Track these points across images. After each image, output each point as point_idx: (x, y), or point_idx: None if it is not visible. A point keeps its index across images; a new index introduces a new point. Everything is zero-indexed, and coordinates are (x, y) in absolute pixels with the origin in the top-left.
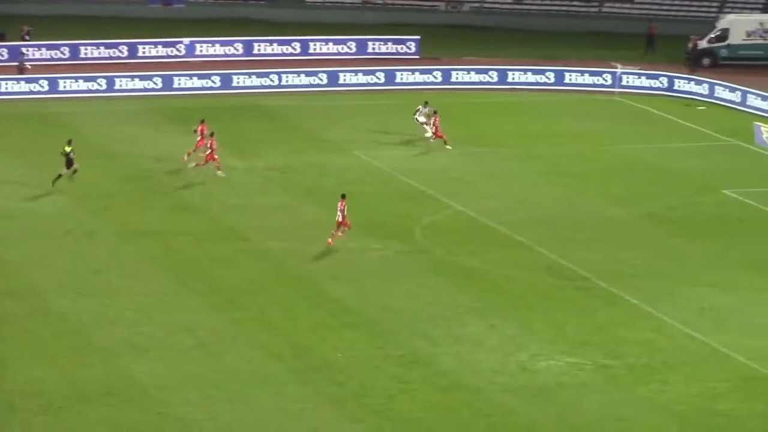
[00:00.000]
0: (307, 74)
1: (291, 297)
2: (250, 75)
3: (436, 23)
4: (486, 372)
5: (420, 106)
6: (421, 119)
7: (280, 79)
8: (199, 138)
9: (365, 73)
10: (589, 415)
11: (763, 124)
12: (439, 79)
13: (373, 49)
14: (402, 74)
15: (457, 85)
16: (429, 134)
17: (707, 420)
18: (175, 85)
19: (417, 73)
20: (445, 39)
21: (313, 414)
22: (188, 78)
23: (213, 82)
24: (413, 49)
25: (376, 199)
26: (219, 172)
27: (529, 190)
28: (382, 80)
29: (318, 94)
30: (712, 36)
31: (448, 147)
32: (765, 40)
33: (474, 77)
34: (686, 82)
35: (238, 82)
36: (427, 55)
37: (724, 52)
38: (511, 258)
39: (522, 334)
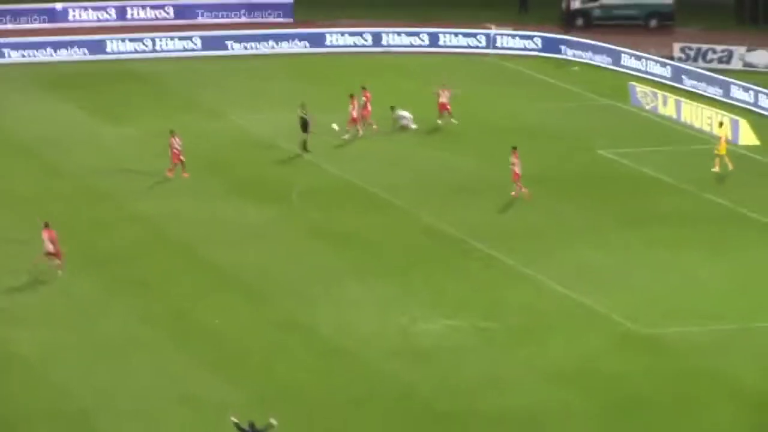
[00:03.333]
0: (181, 38)
1: (167, 262)
2: (123, 40)
3: None
4: (365, 335)
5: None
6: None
7: (154, 44)
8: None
9: (248, 38)
10: (468, 377)
11: (638, 84)
12: (313, 43)
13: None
14: (277, 41)
15: (330, 48)
16: (414, 126)
17: (587, 380)
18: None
19: (296, 40)
20: (316, 2)
21: (191, 378)
22: (63, 46)
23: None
24: (289, 14)
25: (251, 164)
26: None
27: (403, 153)
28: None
29: (193, 59)
30: None
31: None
32: (638, 0)
33: (348, 40)
34: (560, 43)
35: (111, 48)
36: (300, 19)
37: (597, 13)
38: (388, 221)
39: (401, 297)
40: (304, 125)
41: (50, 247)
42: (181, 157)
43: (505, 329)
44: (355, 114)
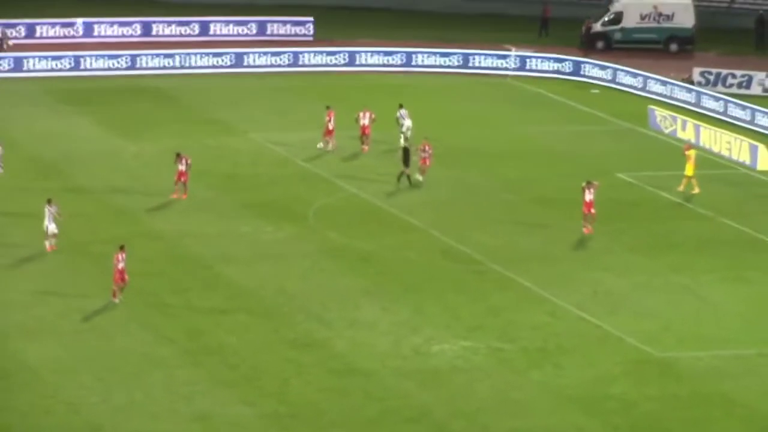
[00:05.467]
0: (203, 55)
1: (184, 279)
2: (152, 56)
3: (329, 5)
4: (379, 355)
5: (400, 111)
6: (407, 123)
7: (174, 60)
8: (181, 168)
9: (272, 54)
10: (482, 398)
11: (658, 108)
12: (344, 61)
13: (272, 31)
14: (305, 56)
15: (360, 67)
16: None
17: (600, 404)
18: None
19: (322, 55)
20: (338, 20)
21: (206, 397)
22: (94, 59)
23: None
24: (311, 31)
25: (268, 182)
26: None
27: (429, 175)
28: (287, 62)
29: (217, 76)
30: (606, 19)
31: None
32: (658, 23)
33: (379, 60)
34: (583, 65)
35: (140, 64)
36: (321, 37)
37: (618, 35)
38: (405, 241)
39: (416, 318)
40: (406, 157)
41: (120, 266)
42: (183, 179)
43: (519, 351)
44: (331, 126)
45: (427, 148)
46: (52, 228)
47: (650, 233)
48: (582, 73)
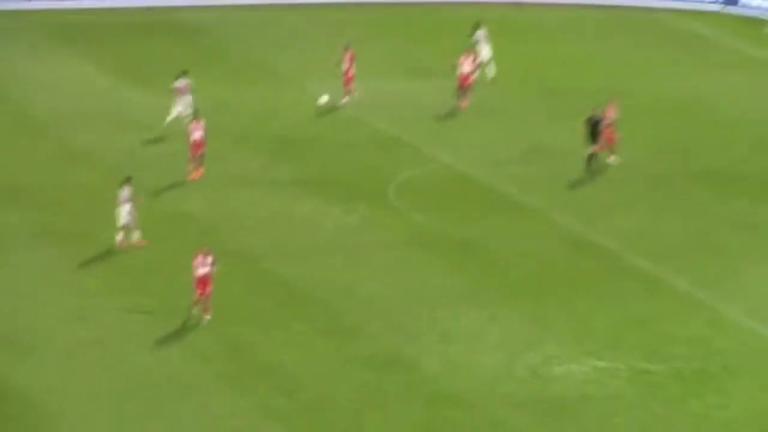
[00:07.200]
0: None
1: (222, 278)
2: None
3: None
4: (484, 379)
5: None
6: (485, 52)
7: None
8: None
9: None
10: None
11: None
12: None
13: None
14: None
15: None
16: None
17: None
18: None
19: None
20: None
21: None
22: None
23: None
24: None
25: (335, 149)
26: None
27: (540, 136)
28: None
29: (257, 8)
30: None
31: None
32: None
33: None
34: None
35: None
36: None
37: None
38: (518, 227)
39: (533, 330)
40: (594, 130)
41: (200, 273)
42: (201, 150)
43: (672, 374)
44: (350, 71)
45: (612, 113)
46: (125, 217)
47: None
48: (756, 5)
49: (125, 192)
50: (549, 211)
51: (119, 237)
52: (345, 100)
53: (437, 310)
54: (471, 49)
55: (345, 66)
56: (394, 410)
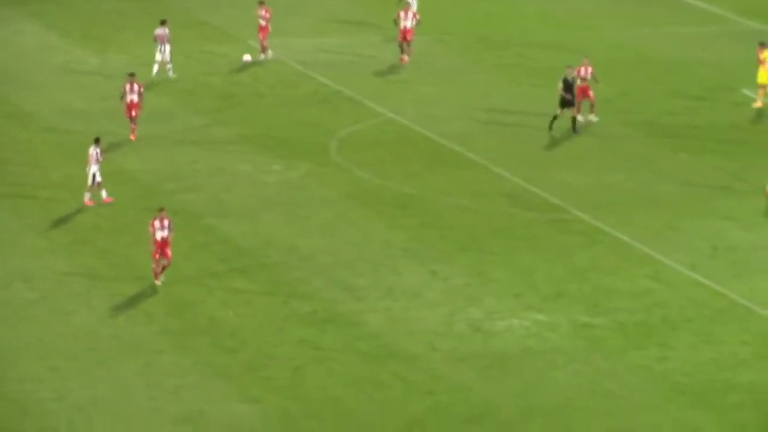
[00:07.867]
0: None
1: None
2: None
3: None
4: (426, 334)
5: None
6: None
7: None
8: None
9: None
10: (564, 391)
11: None
12: None
13: None
14: None
15: None
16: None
17: (722, 396)
18: None
19: None
20: None
21: (195, 392)
22: None
23: None
24: None
25: (276, 106)
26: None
27: (485, 91)
28: None
29: None
30: None
31: None
32: None
33: None
34: None
35: None
36: None
37: None
38: (460, 183)
39: (475, 284)
40: (568, 90)
41: (159, 236)
42: (134, 112)
43: (614, 327)
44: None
45: (587, 70)
46: (98, 175)
47: None
48: None
49: (94, 151)
50: (491, 166)
51: (86, 196)
52: (262, 57)
53: (379, 266)
54: (406, 2)
55: (263, 23)
56: (335, 366)
